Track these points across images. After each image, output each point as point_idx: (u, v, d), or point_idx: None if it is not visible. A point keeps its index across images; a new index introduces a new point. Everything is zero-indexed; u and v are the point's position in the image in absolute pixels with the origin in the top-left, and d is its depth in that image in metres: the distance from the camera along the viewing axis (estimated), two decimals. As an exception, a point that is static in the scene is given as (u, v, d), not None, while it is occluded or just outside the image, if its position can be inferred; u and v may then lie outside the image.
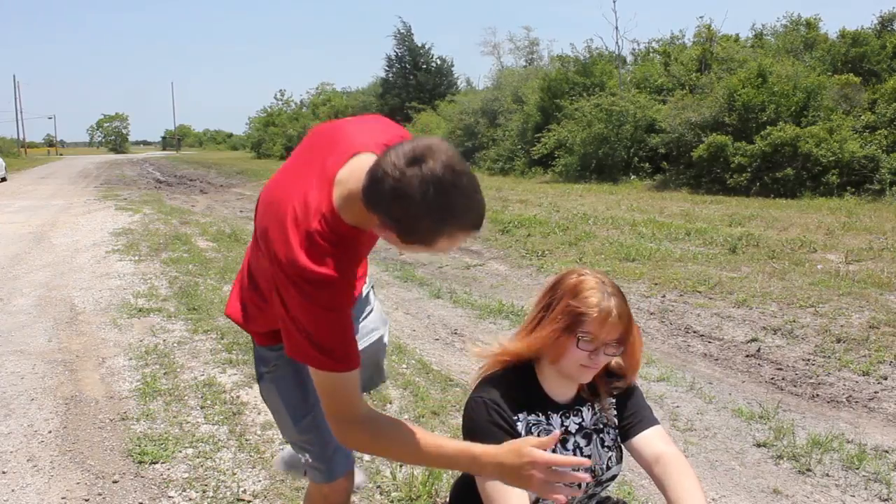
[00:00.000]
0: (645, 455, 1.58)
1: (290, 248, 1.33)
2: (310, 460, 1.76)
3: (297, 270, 1.32)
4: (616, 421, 1.65)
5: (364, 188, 1.26)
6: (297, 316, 1.35)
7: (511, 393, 1.55)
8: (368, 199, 1.25)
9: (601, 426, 1.63)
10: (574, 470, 1.33)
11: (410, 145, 1.23)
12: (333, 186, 1.37)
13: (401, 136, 1.43)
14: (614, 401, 1.66)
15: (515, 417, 1.54)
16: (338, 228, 1.35)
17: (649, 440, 1.60)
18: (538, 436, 1.55)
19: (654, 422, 1.64)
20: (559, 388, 1.59)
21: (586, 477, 1.33)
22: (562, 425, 1.58)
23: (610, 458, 1.62)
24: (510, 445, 1.34)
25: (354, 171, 1.35)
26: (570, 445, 1.58)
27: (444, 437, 1.46)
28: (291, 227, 1.34)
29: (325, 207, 1.35)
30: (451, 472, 2.83)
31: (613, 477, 1.65)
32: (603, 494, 1.70)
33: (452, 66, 43.29)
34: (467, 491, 1.64)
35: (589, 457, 1.59)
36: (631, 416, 1.64)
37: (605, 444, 1.62)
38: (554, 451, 1.56)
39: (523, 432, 1.54)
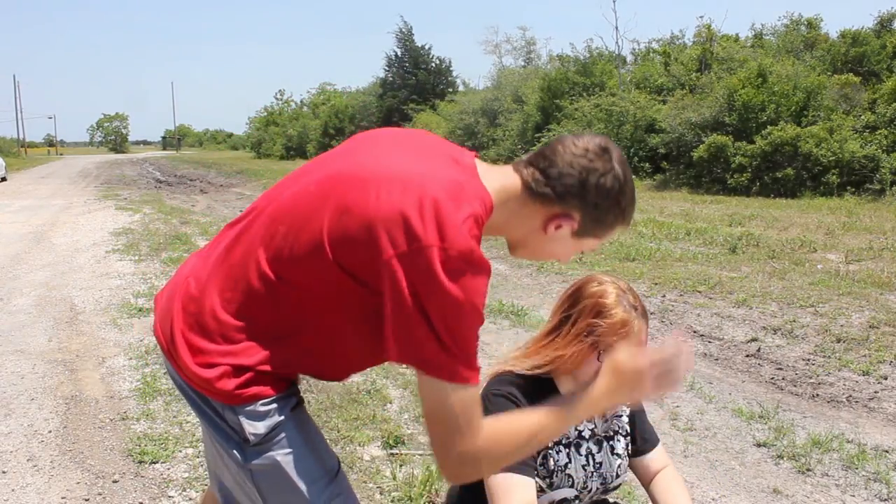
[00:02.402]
0: (649, 473, 1.69)
1: (451, 222, 1.12)
2: None
3: (459, 249, 1.11)
4: (627, 429, 1.68)
5: (555, 177, 1.23)
6: (434, 309, 1.10)
7: (529, 395, 1.51)
8: (563, 188, 1.23)
9: (612, 433, 1.63)
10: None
11: (584, 137, 1.26)
12: (480, 179, 1.24)
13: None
14: (627, 411, 1.68)
15: None
16: (485, 223, 1.21)
17: (654, 461, 1.70)
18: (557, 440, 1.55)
19: (657, 441, 1.73)
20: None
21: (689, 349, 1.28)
22: (575, 429, 1.58)
23: (619, 466, 1.63)
24: (606, 371, 1.28)
25: (492, 170, 1.28)
26: (582, 451, 1.58)
27: (543, 408, 1.27)
28: (447, 202, 1.13)
29: (486, 196, 1.21)
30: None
31: (620, 484, 1.66)
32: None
33: (451, 66, 43.32)
34: (463, 492, 1.64)
35: (600, 464, 1.60)
36: (642, 432, 1.71)
37: (616, 451, 1.63)
38: (569, 454, 1.56)
39: None
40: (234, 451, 1.26)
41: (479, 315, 1.14)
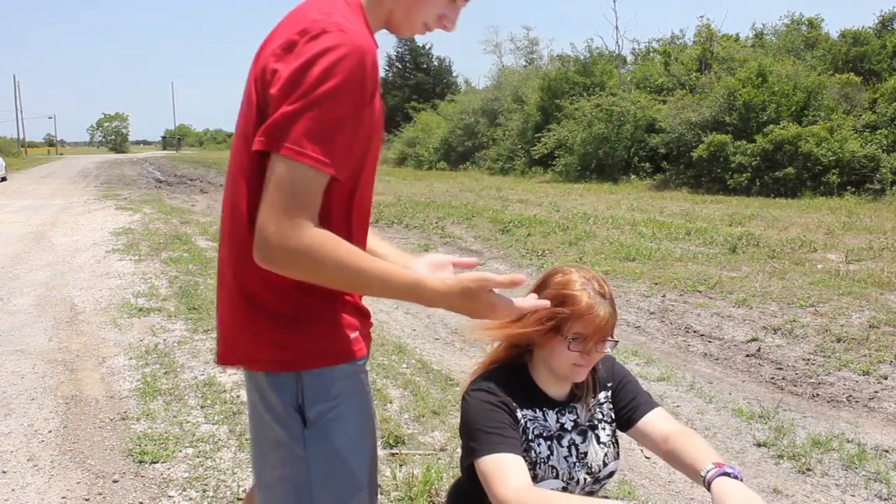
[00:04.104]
0: (653, 436, 1.58)
1: (331, 18, 1.16)
2: None
3: (328, 22, 1.15)
4: (612, 415, 1.65)
5: None
6: (308, 84, 1.10)
7: (507, 388, 1.55)
8: None
9: (595, 422, 1.63)
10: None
11: None
12: None
13: None
14: (609, 394, 1.66)
15: (514, 406, 1.54)
16: (364, 15, 1.27)
17: (654, 421, 1.60)
18: (533, 431, 1.55)
19: (654, 404, 1.64)
20: (553, 384, 1.60)
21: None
22: (557, 422, 1.58)
23: (606, 455, 1.62)
24: (460, 283, 1.29)
25: None
26: (565, 442, 1.58)
27: (388, 264, 1.25)
28: (321, 13, 1.18)
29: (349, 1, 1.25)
30: (451, 474, 2.83)
31: (612, 473, 1.64)
32: (601, 493, 1.70)
33: (451, 66, 43.36)
34: (465, 496, 1.64)
35: (585, 454, 1.59)
36: (630, 401, 1.64)
37: (601, 440, 1.62)
38: (550, 447, 1.56)
39: (522, 426, 1.54)
40: (292, 431, 1.24)
41: (351, 105, 1.13)
